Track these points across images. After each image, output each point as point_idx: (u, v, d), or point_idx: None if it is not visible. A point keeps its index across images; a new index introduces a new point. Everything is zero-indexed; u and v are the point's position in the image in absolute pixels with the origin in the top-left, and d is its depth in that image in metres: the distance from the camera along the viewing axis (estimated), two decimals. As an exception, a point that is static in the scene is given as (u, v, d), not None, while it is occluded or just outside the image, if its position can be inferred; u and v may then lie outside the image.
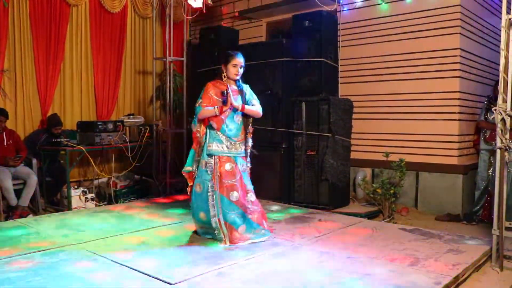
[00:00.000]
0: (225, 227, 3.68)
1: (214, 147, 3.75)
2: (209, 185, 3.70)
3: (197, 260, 3.26)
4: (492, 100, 4.85)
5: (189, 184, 3.87)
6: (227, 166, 3.74)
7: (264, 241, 3.75)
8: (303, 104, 5.51)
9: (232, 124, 3.80)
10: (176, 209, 5.03)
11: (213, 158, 3.73)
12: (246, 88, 3.95)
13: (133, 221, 4.44)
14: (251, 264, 3.21)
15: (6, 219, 4.88)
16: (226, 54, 3.88)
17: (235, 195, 3.71)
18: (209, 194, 3.69)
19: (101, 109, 6.80)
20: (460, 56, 5.26)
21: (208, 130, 3.78)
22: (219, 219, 3.68)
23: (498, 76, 3.51)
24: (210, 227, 3.72)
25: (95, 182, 6.26)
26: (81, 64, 6.60)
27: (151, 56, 6.92)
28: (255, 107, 3.91)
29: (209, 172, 3.72)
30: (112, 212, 4.86)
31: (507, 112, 3.40)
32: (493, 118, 3.93)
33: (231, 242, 3.65)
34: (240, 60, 3.81)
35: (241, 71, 3.83)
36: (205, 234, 3.83)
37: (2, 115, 5.25)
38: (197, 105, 3.77)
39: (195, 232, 3.96)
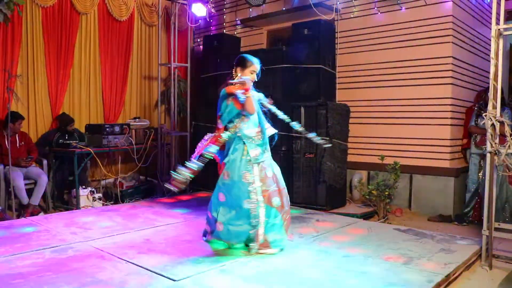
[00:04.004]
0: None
1: (257, 153, 3.46)
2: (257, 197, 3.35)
3: (200, 257, 3.28)
4: (482, 106, 4.87)
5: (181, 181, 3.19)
6: (268, 172, 3.48)
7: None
8: (302, 109, 5.52)
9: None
10: (179, 209, 5.05)
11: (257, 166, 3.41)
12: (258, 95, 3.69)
13: (139, 220, 4.45)
14: (251, 261, 3.23)
15: (18, 217, 4.91)
16: (243, 58, 3.54)
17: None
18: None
19: (108, 112, 6.82)
20: (452, 64, 5.29)
21: (241, 138, 3.48)
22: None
23: (488, 83, 3.54)
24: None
25: (103, 182, 6.28)
26: (90, 70, 6.62)
27: (157, 62, 6.94)
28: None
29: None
30: (119, 211, 4.88)
31: (497, 118, 3.42)
32: (484, 123, 3.96)
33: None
34: (258, 66, 3.55)
35: (256, 78, 3.56)
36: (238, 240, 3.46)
37: (20, 118, 5.31)
38: (229, 102, 3.39)
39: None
